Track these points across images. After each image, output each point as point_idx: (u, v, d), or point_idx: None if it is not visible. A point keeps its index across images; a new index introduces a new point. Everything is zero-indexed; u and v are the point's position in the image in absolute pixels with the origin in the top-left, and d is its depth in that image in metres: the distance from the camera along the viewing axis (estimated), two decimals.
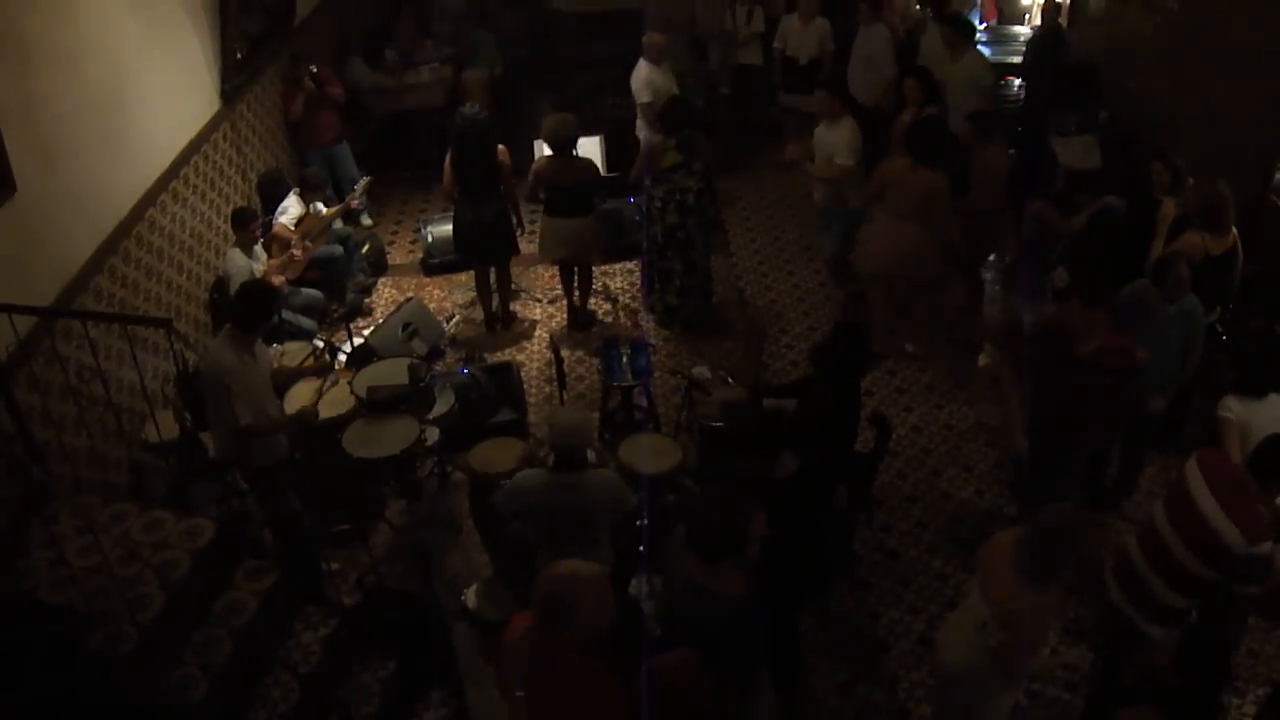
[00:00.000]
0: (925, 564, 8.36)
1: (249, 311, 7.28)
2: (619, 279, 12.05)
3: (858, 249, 10.21)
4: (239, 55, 10.77)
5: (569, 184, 10.33)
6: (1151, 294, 7.62)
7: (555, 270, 11.56)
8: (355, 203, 11.99)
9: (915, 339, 10.48)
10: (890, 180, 9.60)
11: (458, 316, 11.50)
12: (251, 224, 9.98)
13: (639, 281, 11.70)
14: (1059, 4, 13.70)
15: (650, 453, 8.05)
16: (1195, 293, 7.64)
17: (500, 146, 10.40)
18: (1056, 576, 5.61)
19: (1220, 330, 8.38)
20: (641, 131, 11.84)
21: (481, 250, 10.83)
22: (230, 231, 10.13)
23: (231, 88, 10.72)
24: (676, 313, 11.09)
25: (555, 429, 6.65)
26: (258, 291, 7.60)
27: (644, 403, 9.41)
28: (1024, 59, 13.56)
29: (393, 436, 7.93)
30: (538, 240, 10.97)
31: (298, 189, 11.10)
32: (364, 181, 11.96)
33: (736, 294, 11.72)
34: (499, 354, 10.81)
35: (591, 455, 8.05)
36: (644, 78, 11.67)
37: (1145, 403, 7.86)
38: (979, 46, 13.39)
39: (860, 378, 7.44)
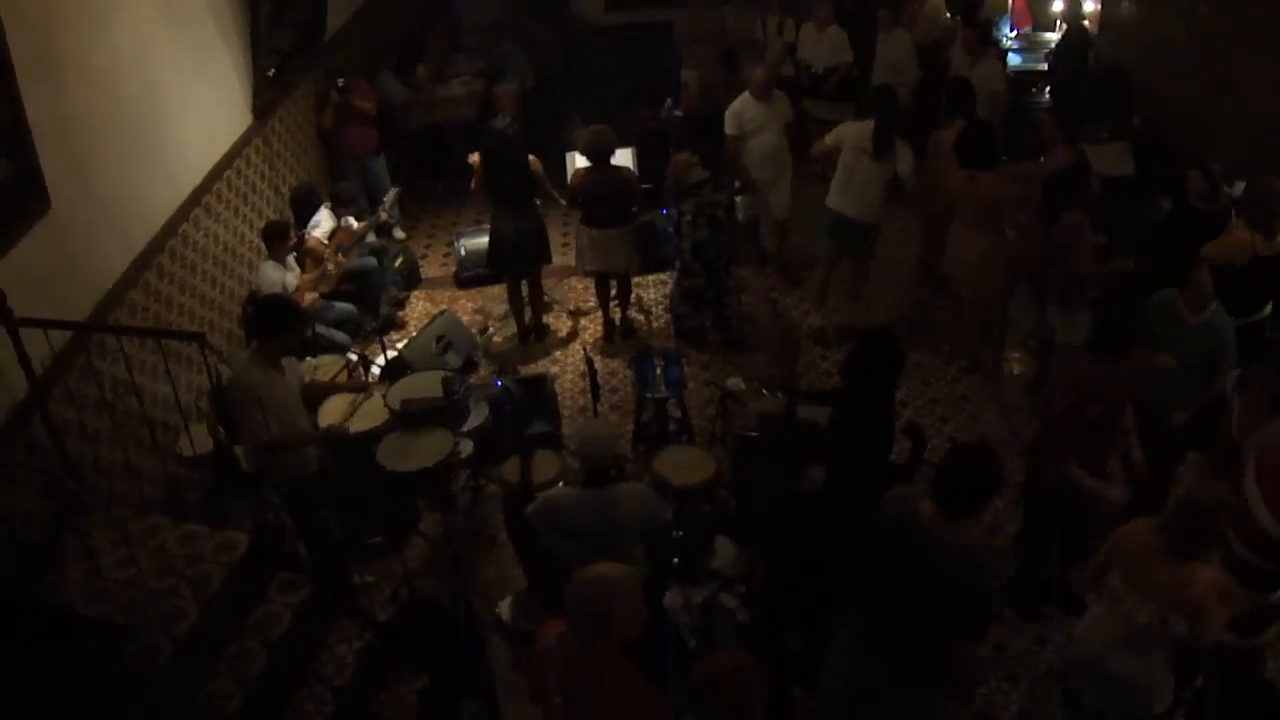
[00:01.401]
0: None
1: (264, 325, 7.32)
2: (652, 290, 12.03)
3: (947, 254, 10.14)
4: (271, 71, 10.81)
5: (606, 194, 10.33)
6: (1178, 302, 7.53)
7: (588, 282, 11.56)
8: (385, 214, 12.00)
9: (968, 350, 10.43)
10: (954, 194, 9.64)
11: (491, 329, 11.51)
12: (284, 237, 10.02)
13: (671, 294, 11.67)
14: (1082, 10, 13.64)
15: (684, 465, 8.04)
16: (1243, 294, 7.53)
17: (532, 158, 10.42)
18: (1207, 551, 5.65)
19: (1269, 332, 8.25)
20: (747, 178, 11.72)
21: (518, 263, 10.85)
22: (263, 246, 10.16)
23: (263, 103, 10.76)
24: (690, 324, 11.09)
25: (579, 442, 6.63)
26: (272, 305, 7.63)
27: (678, 414, 9.39)
28: (1049, 66, 13.50)
29: (427, 449, 7.92)
30: (573, 251, 10.97)
31: (329, 203, 11.13)
32: (393, 193, 12.01)
33: (770, 305, 11.68)
34: (533, 366, 10.81)
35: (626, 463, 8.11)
36: (736, 110, 11.26)
37: (1169, 416, 7.65)
38: (1011, 54, 13.38)
39: (893, 386, 7.38)
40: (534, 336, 11.34)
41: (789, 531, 6.33)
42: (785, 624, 6.84)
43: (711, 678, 4.79)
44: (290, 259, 10.23)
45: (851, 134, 10.27)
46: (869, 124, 10.07)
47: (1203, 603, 5.48)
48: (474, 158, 10.61)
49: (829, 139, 10.58)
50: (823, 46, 12.98)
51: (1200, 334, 7.46)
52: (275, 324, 7.25)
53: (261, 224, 10.32)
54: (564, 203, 11.00)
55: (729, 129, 11.13)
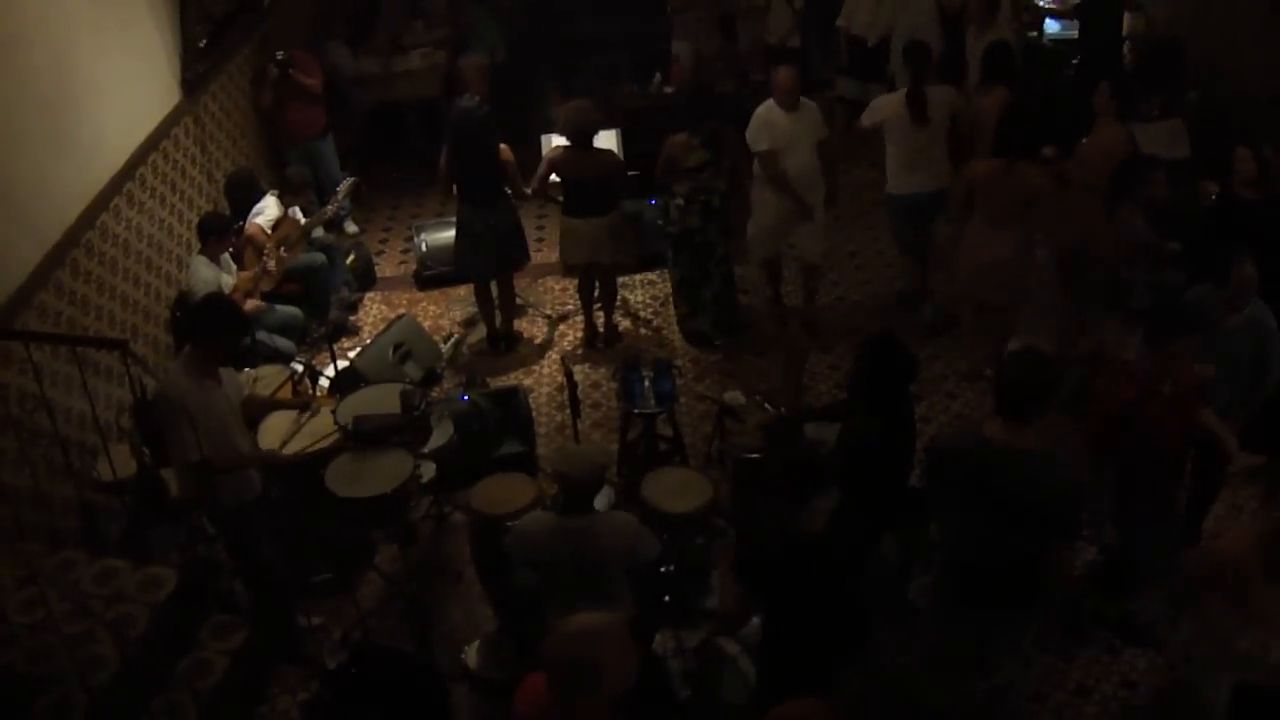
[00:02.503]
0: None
1: (199, 326, 7.24)
2: (640, 291, 12.02)
3: (945, 264, 10.13)
4: (202, 39, 10.77)
5: (589, 179, 10.31)
6: (1213, 301, 7.48)
7: (566, 283, 11.53)
8: (336, 209, 11.93)
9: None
10: (980, 183, 9.44)
11: (456, 336, 11.47)
12: (217, 233, 9.96)
13: (662, 294, 11.63)
14: None
15: (677, 489, 7.99)
16: None
17: (503, 145, 10.38)
18: None
19: None
20: (755, 189, 10.84)
21: (494, 263, 10.84)
22: (194, 241, 10.11)
23: (194, 76, 10.73)
24: (690, 326, 11.12)
25: (562, 459, 6.58)
26: (209, 304, 7.57)
27: (669, 432, 9.35)
28: (1078, 32, 13.46)
29: (383, 473, 7.84)
30: (552, 246, 10.93)
31: (276, 191, 11.08)
32: (347, 183, 11.94)
33: (771, 307, 11.64)
34: (504, 378, 10.77)
35: (608, 496, 8.06)
36: (762, 120, 10.46)
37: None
38: (1049, 20, 13.36)
39: (908, 399, 7.33)
40: (505, 344, 11.29)
41: (791, 579, 6.27)
42: (789, 684, 6.76)
43: None
44: (225, 257, 10.16)
45: (888, 108, 10.50)
46: (901, 92, 10.38)
47: None
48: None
49: (866, 119, 10.71)
50: (883, 15, 12.87)
51: (1243, 334, 7.44)
52: (212, 325, 7.16)
53: (192, 215, 10.31)
54: (528, 194, 10.80)
55: (764, 142, 10.38)
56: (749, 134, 10.44)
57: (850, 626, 6.04)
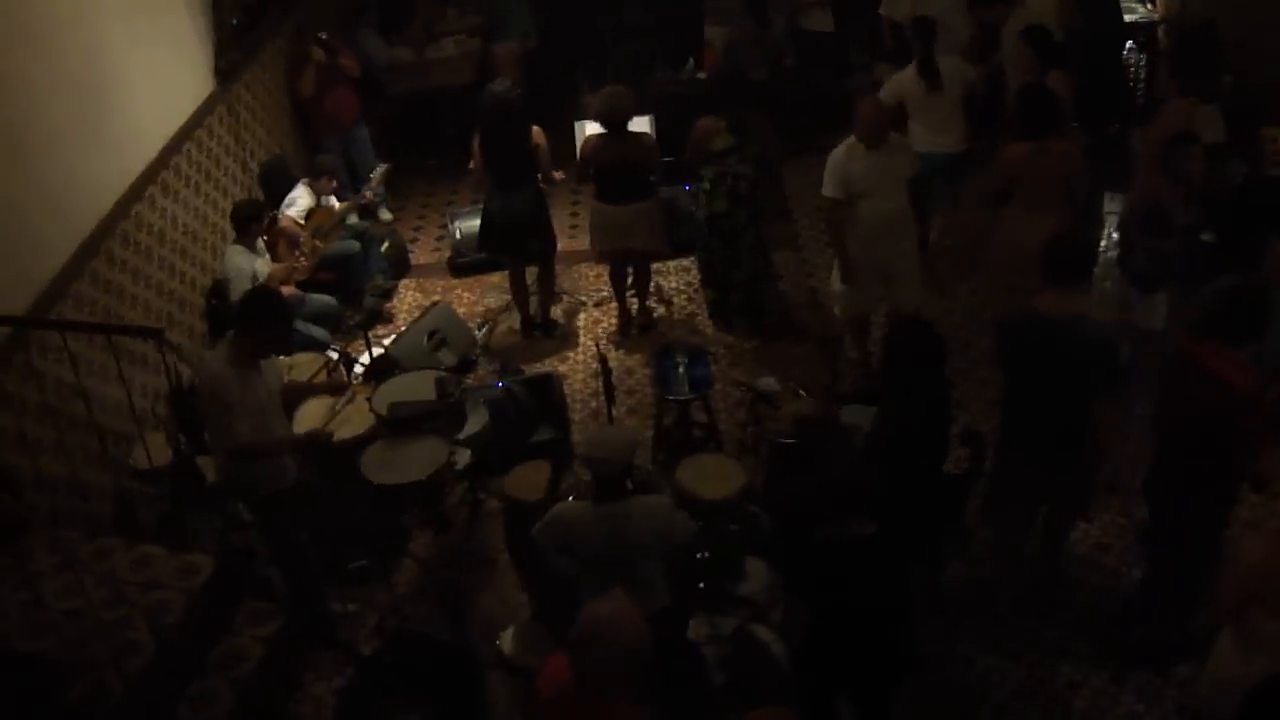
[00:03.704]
0: (1025, 603, 8.14)
1: (250, 319, 7.18)
2: (674, 278, 11.98)
3: (982, 252, 10.05)
4: (235, 28, 10.77)
5: (622, 165, 10.26)
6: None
7: (600, 269, 11.51)
8: (371, 194, 11.95)
9: None
10: (1017, 168, 9.24)
11: (491, 323, 11.46)
12: (255, 219, 9.97)
13: (696, 281, 11.60)
14: None
15: (711, 476, 7.98)
16: None
17: (535, 128, 10.36)
18: None
19: None
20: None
21: (510, 245, 10.79)
22: (229, 229, 10.12)
23: (227, 65, 10.76)
24: (719, 310, 11.09)
25: (588, 449, 6.56)
26: (260, 298, 7.55)
27: (704, 419, 9.34)
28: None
29: (417, 460, 7.86)
30: (588, 232, 10.90)
31: (306, 179, 11.09)
32: (381, 170, 11.94)
33: (808, 294, 11.61)
34: (538, 365, 10.76)
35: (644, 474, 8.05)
36: (839, 162, 9.51)
37: None
38: None
39: (941, 385, 7.30)
40: (540, 331, 11.28)
41: (834, 580, 6.24)
42: (836, 693, 6.72)
43: None
44: (259, 243, 10.17)
45: (905, 82, 10.76)
46: (912, 66, 10.67)
47: None
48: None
49: (886, 96, 10.65)
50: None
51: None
52: (257, 320, 7.14)
53: (227, 204, 10.31)
54: (556, 179, 10.87)
55: (829, 189, 9.49)
56: (825, 175, 9.51)
57: (894, 631, 6.06)
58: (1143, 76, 12.38)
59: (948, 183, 11.27)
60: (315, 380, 8.89)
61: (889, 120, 9.42)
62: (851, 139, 9.35)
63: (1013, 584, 8.10)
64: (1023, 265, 8.77)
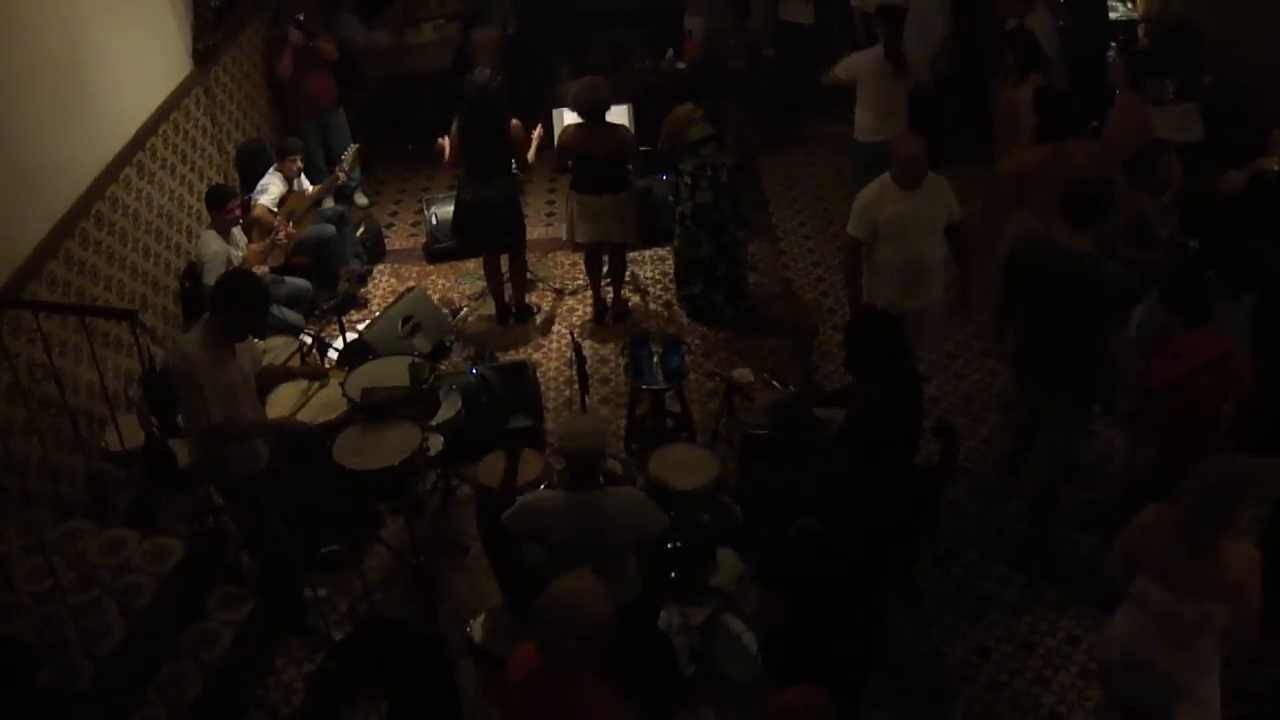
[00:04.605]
0: (997, 596, 8.21)
1: (225, 302, 7.09)
2: (649, 267, 11.99)
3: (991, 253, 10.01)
4: (213, 10, 10.73)
5: (599, 155, 10.25)
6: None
7: (576, 257, 11.50)
8: (344, 175, 11.91)
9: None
10: (1030, 173, 9.11)
11: (466, 309, 11.46)
12: (229, 203, 9.95)
13: (671, 271, 11.60)
14: None
15: (684, 466, 7.99)
16: None
17: (515, 121, 10.34)
18: (1231, 528, 5.77)
19: None
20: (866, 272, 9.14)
21: (482, 235, 10.78)
22: (204, 212, 10.09)
23: (205, 47, 10.72)
24: (704, 302, 11.08)
25: (564, 439, 6.56)
26: (236, 281, 7.51)
27: (677, 409, 9.34)
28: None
29: (390, 445, 7.84)
30: (564, 221, 10.90)
31: (276, 164, 11.06)
32: (352, 149, 11.94)
33: (783, 285, 11.64)
34: (512, 352, 10.78)
35: (615, 468, 8.05)
36: (868, 202, 8.80)
37: None
38: None
39: (907, 377, 7.32)
40: (515, 318, 11.27)
41: (808, 576, 6.26)
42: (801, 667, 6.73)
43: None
44: (236, 232, 10.14)
45: (864, 62, 10.75)
46: (877, 48, 10.60)
47: (1244, 584, 5.67)
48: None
49: (841, 71, 10.87)
50: None
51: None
52: (233, 303, 7.07)
53: (203, 186, 10.30)
54: (531, 166, 10.85)
55: (856, 228, 8.85)
56: (852, 211, 8.90)
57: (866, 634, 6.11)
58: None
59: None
60: (289, 365, 8.88)
61: (928, 161, 8.61)
62: (885, 177, 8.70)
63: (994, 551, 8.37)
64: None
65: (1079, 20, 12.62)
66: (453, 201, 11.43)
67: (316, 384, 8.48)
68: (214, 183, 10.42)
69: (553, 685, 4.98)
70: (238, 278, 7.64)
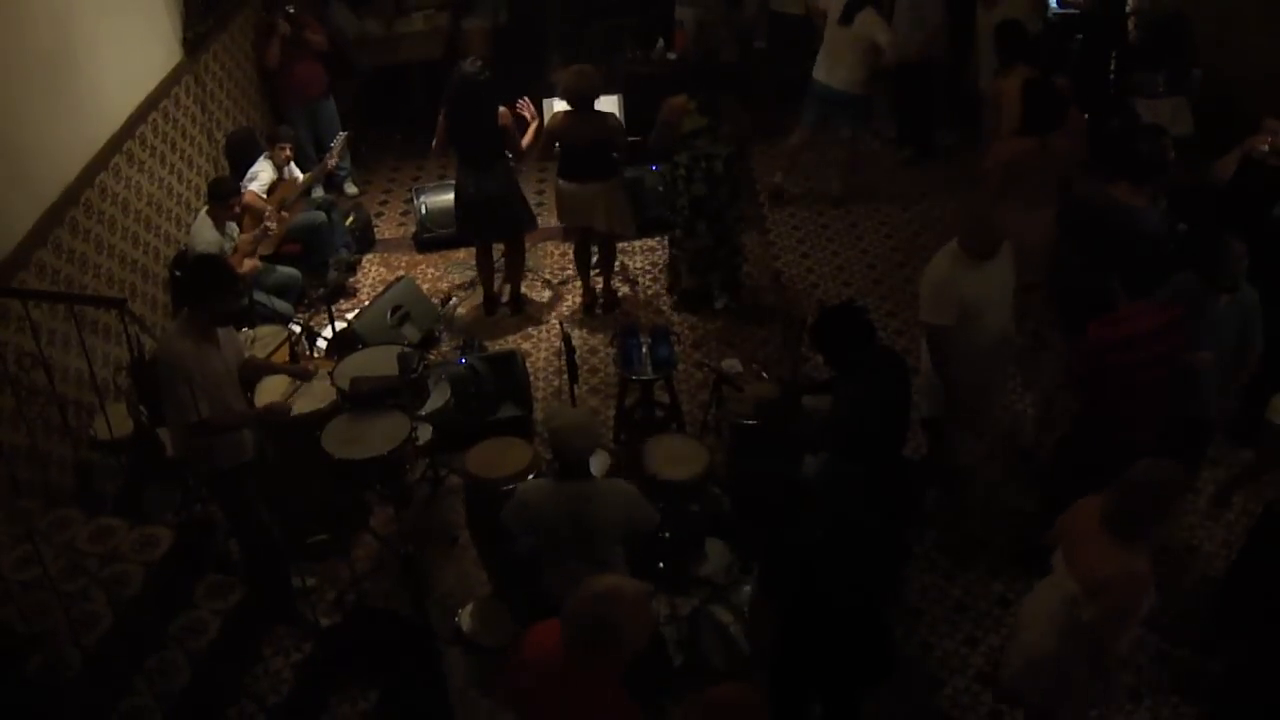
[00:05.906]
0: (985, 588, 8.22)
1: (193, 288, 7.17)
2: (639, 258, 11.99)
3: None
4: None
5: (587, 143, 10.23)
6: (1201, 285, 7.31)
7: (566, 247, 11.49)
8: (334, 162, 11.90)
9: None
10: (1014, 165, 9.14)
11: (455, 299, 11.45)
12: (231, 199, 9.95)
13: (661, 261, 11.60)
14: None
15: (673, 457, 7.99)
16: None
17: (502, 109, 10.32)
18: (1145, 534, 5.75)
19: None
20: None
21: (488, 226, 10.77)
22: (193, 200, 10.07)
23: (195, 35, 10.70)
24: (700, 292, 11.07)
25: (553, 430, 6.56)
26: (201, 265, 7.54)
27: (666, 399, 9.35)
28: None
29: (379, 435, 7.86)
30: (553, 210, 10.90)
31: (266, 152, 11.04)
32: (341, 137, 11.93)
33: (773, 276, 11.64)
34: (502, 342, 10.75)
35: (604, 460, 8.05)
36: (942, 279, 7.70)
37: (1204, 407, 7.60)
38: None
39: (883, 368, 7.27)
40: (509, 309, 11.28)
41: (805, 579, 6.24)
42: (809, 693, 6.70)
43: (711, 711, 4.77)
44: (231, 225, 10.12)
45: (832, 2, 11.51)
46: None
47: (1112, 588, 5.63)
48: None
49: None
50: None
51: (1231, 315, 7.32)
52: (205, 287, 7.06)
53: (192, 174, 10.28)
54: (522, 159, 10.75)
55: (938, 315, 7.63)
56: (923, 294, 7.75)
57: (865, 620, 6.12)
58: (1113, 69, 12.34)
59: (848, 120, 12.33)
60: (277, 355, 8.89)
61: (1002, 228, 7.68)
62: (953, 247, 7.68)
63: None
64: (1020, 262, 8.19)
65: (1098, 11, 12.70)
66: (443, 191, 11.45)
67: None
68: (204, 170, 10.40)
69: (573, 680, 4.91)
70: (196, 264, 7.68)
